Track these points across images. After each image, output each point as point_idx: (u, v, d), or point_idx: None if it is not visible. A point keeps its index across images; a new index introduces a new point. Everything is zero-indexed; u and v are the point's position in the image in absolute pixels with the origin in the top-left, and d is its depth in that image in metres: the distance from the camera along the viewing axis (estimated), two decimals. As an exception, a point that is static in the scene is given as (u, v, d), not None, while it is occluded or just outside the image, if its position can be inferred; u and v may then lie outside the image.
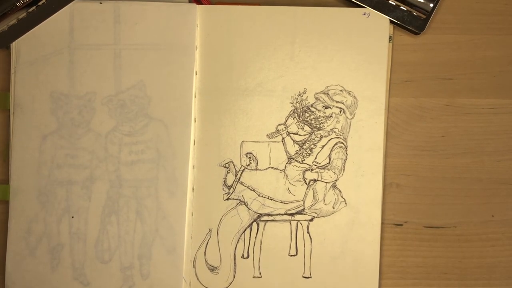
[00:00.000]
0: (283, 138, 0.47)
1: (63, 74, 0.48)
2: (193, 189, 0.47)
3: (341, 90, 0.47)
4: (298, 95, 0.47)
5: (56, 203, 0.47)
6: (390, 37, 0.47)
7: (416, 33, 0.48)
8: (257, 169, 0.47)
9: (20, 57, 0.48)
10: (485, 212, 0.48)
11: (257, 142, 0.48)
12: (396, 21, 0.47)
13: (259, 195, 0.47)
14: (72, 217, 0.47)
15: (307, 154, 0.47)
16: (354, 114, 0.47)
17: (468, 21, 0.49)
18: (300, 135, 0.47)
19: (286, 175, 0.47)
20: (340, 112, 0.47)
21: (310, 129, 0.47)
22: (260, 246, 0.47)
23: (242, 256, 0.47)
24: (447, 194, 0.48)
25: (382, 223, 0.48)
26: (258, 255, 0.47)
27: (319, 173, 0.47)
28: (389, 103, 0.48)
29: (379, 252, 0.47)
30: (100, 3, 0.48)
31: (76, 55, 0.48)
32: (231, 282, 0.47)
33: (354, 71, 0.47)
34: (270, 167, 0.48)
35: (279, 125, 0.47)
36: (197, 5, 0.47)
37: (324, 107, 0.47)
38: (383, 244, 0.48)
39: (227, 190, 0.47)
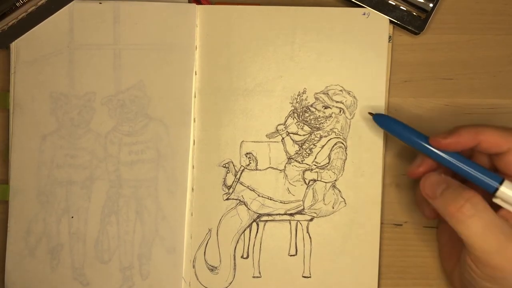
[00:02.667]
0: (283, 138, 0.47)
1: (63, 74, 0.48)
2: (192, 189, 0.47)
3: (340, 90, 0.47)
4: (297, 95, 0.47)
5: (55, 203, 0.47)
6: (389, 37, 0.47)
7: (415, 33, 0.48)
8: (256, 169, 0.48)
9: (20, 57, 0.48)
10: (485, 212, 0.48)
11: (256, 142, 0.48)
12: (395, 21, 0.47)
13: (258, 195, 0.47)
14: (72, 217, 0.47)
15: (307, 154, 0.47)
16: (354, 114, 0.47)
17: (468, 21, 0.49)
18: (299, 135, 0.47)
19: (286, 175, 0.47)
20: (340, 112, 0.47)
21: (309, 129, 0.47)
22: (260, 246, 0.47)
23: (242, 256, 0.47)
24: (447, 194, 0.48)
25: (382, 223, 0.48)
26: (258, 255, 0.47)
27: (318, 173, 0.47)
28: (389, 103, 0.48)
29: (378, 252, 0.47)
30: (100, 3, 0.48)
31: (76, 55, 0.48)
32: (231, 282, 0.47)
33: (353, 71, 0.47)
34: (269, 167, 0.48)
35: (278, 125, 0.47)
36: (196, 5, 0.47)
37: (324, 107, 0.47)
38: (383, 244, 0.48)
39: (227, 190, 0.47)
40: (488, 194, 0.40)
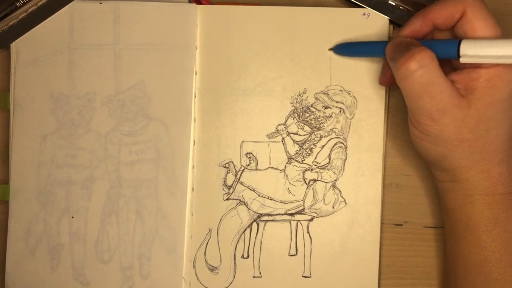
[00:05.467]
0: (283, 138, 0.47)
1: (63, 74, 0.48)
2: (193, 189, 0.47)
3: (340, 90, 0.47)
4: (298, 95, 0.47)
5: (56, 203, 0.47)
6: (389, 37, 0.47)
7: (415, 33, 0.48)
8: (257, 169, 0.48)
9: (20, 57, 0.47)
10: (485, 212, 0.48)
11: (257, 142, 0.48)
12: (395, 21, 0.47)
13: (259, 195, 0.47)
14: (72, 217, 0.47)
15: (307, 154, 0.47)
16: (354, 114, 0.47)
17: (468, 21, 0.49)
18: (300, 135, 0.47)
19: (286, 175, 0.47)
20: (340, 112, 0.47)
21: (310, 129, 0.47)
22: (260, 246, 0.47)
23: (242, 256, 0.47)
24: (447, 194, 0.48)
25: (382, 223, 0.48)
26: (258, 255, 0.47)
27: (319, 173, 0.47)
28: (389, 103, 0.48)
29: (378, 252, 0.47)
30: (100, 3, 0.48)
31: (76, 55, 0.48)
32: (231, 282, 0.47)
33: (353, 71, 0.47)
34: (270, 167, 0.48)
35: (279, 125, 0.47)
36: (197, 5, 0.47)
37: (324, 107, 0.47)
38: (383, 244, 0.48)
39: (227, 190, 0.48)
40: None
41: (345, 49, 0.47)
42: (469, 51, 0.37)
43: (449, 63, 0.41)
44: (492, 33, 0.38)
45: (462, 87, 0.38)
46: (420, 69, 0.37)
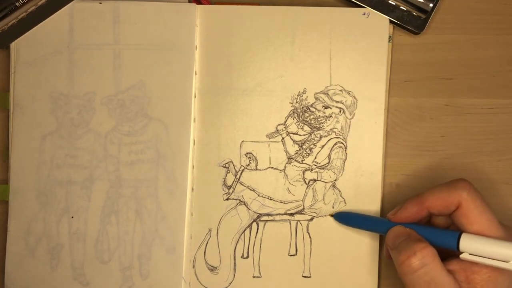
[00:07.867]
0: (283, 138, 0.47)
1: (62, 74, 0.48)
2: (192, 189, 0.47)
3: (340, 90, 0.47)
4: (298, 95, 0.47)
5: (55, 203, 0.47)
6: (389, 37, 0.47)
7: (415, 33, 0.48)
8: (256, 169, 0.47)
9: (20, 57, 0.48)
10: (485, 212, 0.48)
11: (257, 142, 0.48)
12: (395, 21, 0.47)
13: (258, 195, 0.47)
14: (72, 217, 0.47)
15: (307, 154, 0.47)
16: (354, 114, 0.47)
17: (468, 21, 0.49)
18: (299, 135, 0.47)
19: (286, 175, 0.47)
20: (340, 112, 0.47)
21: (309, 129, 0.47)
22: (260, 246, 0.47)
23: (242, 256, 0.47)
24: (447, 194, 0.48)
25: (382, 223, 0.47)
26: (258, 255, 0.47)
27: (318, 173, 0.47)
28: (389, 103, 0.48)
29: (378, 252, 0.47)
30: (100, 3, 0.48)
31: (75, 55, 0.48)
32: (231, 282, 0.47)
33: (353, 71, 0.47)
34: (269, 167, 0.48)
35: (278, 125, 0.47)
36: (197, 5, 0.47)
37: (323, 107, 0.47)
38: (383, 244, 0.48)
39: (227, 190, 0.47)
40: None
41: (345, 218, 0.46)
42: (469, 248, 0.37)
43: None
44: (488, 227, 0.38)
45: (463, 279, 0.38)
46: (423, 268, 0.37)
